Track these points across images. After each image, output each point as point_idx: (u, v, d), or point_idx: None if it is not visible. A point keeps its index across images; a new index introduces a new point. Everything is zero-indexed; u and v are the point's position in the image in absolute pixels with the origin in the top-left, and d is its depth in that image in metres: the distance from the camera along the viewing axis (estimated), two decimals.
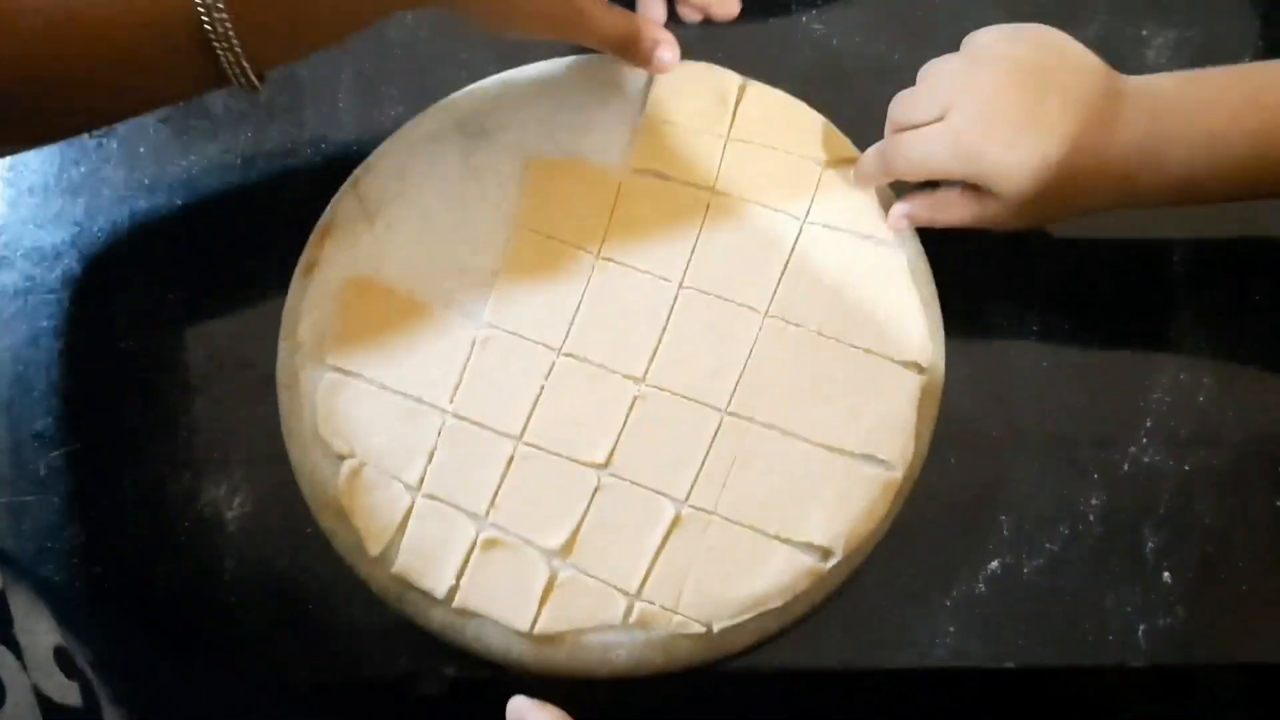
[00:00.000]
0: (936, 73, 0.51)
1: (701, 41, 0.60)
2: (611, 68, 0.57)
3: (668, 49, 0.53)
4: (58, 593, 0.51)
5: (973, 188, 0.50)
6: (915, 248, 0.55)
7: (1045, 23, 0.60)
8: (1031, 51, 0.50)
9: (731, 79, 0.57)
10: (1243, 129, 0.48)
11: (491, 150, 0.56)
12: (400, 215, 0.55)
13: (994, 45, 0.50)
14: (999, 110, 0.48)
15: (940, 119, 0.49)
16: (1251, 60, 0.59)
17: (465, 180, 0.55)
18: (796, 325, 0.53)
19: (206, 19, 0.44)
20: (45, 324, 0.58)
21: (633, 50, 0.53)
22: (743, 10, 0.61)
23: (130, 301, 0.58)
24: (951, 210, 0.52)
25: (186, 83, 0.48)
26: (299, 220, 0.56)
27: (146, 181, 0.60)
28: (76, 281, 0.58)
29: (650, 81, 0.56)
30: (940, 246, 0.55)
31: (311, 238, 0.56)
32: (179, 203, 0.59)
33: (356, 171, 0.57)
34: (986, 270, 0.56)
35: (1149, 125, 0.48)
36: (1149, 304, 0.56)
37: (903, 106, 0.52)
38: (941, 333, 0.54)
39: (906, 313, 0.53)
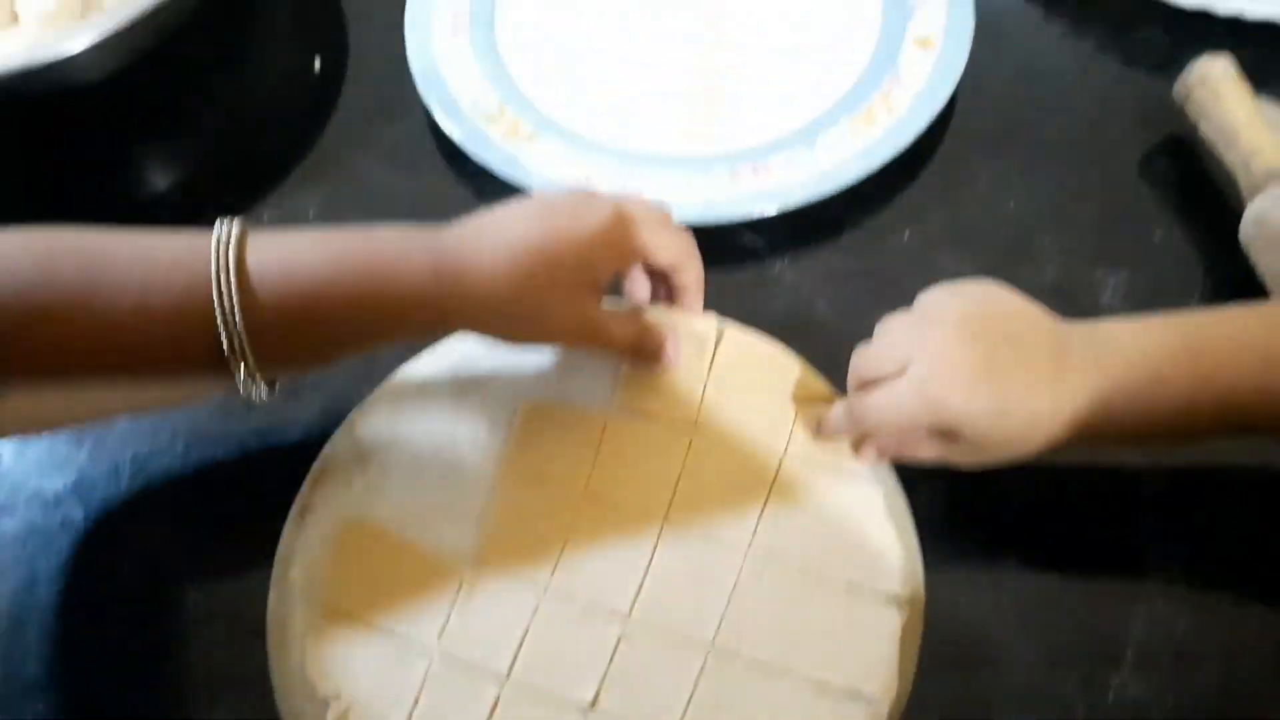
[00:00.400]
0: (893, 329, 0.55)
1: None
2: None
3: (672, 344, 0.57)
4: None
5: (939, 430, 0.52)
6: (891, 482, 0.57)
7: (1006, 268, 0.64)
8: (980, 307, 0.53)
9: (709, 324, 0.60)
10: (1180, 373, 0.50)
11: (484, 395, 0.58)
12: (393, 458, 0.57)
13: (945, 304, 0.54)
14: (956, 364, 0.50)
15: (901, 373, 0.52)
16: (1196, 303, 0.63)
17: (457, 424, 0.58)
18: (778, 562, 0.54)
19: (224, 336, 0.47)
20: (43, 569, 0.59)
21: (643, 352, 0.56)
22: (720, 258, 0.66)
23: (127, 545, 0.59)
24: (919, 449, 0.54)
25: (198, 387, 0.52)
26: (299, 462, 0.58)
27: (150, 428, 0.62)
28: (75, 527, 0.60)
29: None
30: (916, 480, 0.57)
31: (306, 481, 0.58)
32: (180, 448, 0.61)
33: (352, 414, 0.59)
34: (962, 503, 0.58)
35: (1094, 370, 0.51)
36: (1122, 534, 0.57)
37: (865, 362, 0.55)
38: (920, 565, 0.55)
39: (885, 546, 0.54)
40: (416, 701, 0.52)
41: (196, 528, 0.60)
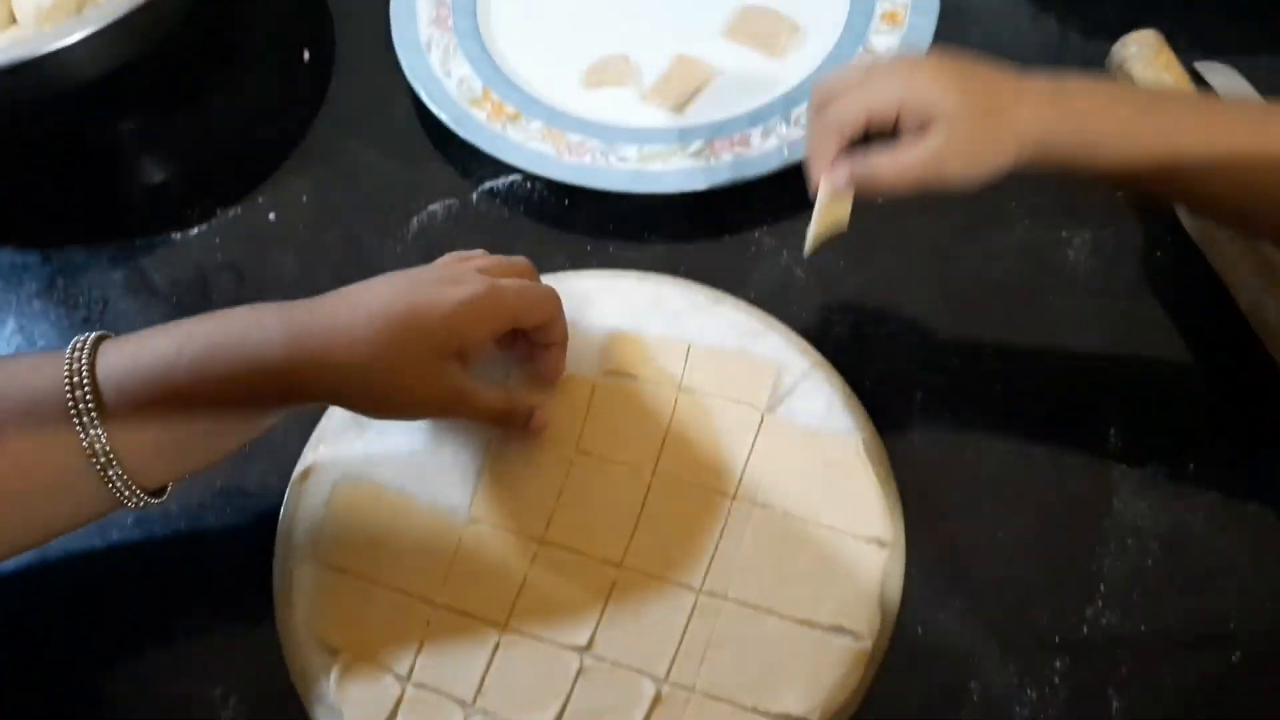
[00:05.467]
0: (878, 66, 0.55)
1: (665, 260, 0.67)
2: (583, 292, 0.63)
3: (540, 414, 0.58)
4: None
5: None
6: (870, 432, 0.59)
7: (976, 229, 0.67)
8: (953, 57, 0.54)
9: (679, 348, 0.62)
10: (1121, 118, 0.52)
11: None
12: (391, 423, 0.59)
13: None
14: (937, 66, 0.53)
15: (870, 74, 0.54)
16: (1159, 260, 0.66)
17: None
18: (764, 507, 0.56)
19: (85, 440, 0.46)
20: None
21: (509, 420, 0.57)
22: (699, 230, 0.68)
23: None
24: (892, 159, 0.53)
25: (83, 509, 0.49)
26: (298, 431, 0.61)
27: None
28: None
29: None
30: (895, 433, 0.60)
31: (306, 447, 0.60)
32: None
33: None
34: (939, 454, 0.60)
35: (1050, 98, 0.52)
36: (1092, 479, 0.60)
37: (831, 76, 0.56)
38: (900, 510, 0.57)
39: (865, 493, 0.57)
40: (419, 650, 0.54)
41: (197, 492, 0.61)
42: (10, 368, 0.49)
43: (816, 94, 0.55)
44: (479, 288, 0.52)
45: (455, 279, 0.53)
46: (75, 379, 0.46)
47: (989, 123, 0.52)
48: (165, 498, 0.51)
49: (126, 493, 0.48)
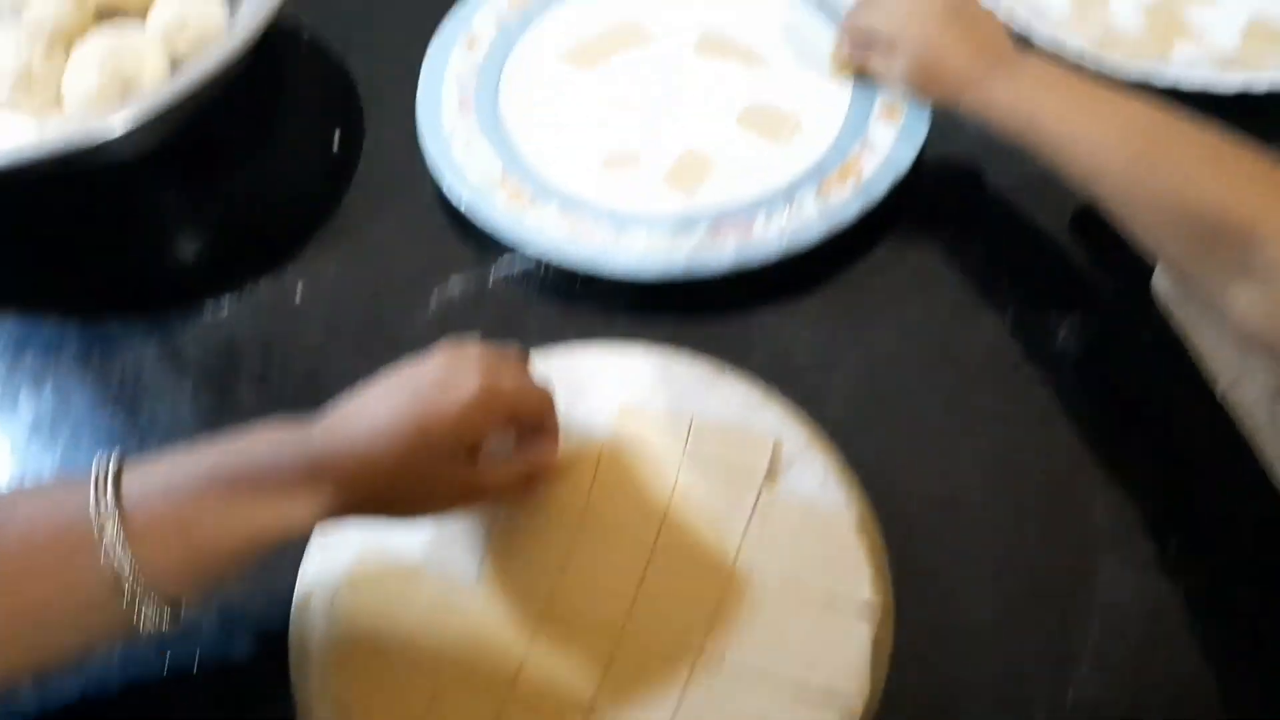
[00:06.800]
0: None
1: (671, 335, 0.70)
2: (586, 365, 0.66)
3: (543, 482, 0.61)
4: None
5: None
6: (864, 505, 0.62)
7: (968, 312, 0.70)
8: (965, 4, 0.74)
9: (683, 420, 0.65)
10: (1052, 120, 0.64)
11: None
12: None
13: None
14: (925, 12, 0.73)
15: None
16: (1146, 341, 0.69)
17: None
18: (761, 575, 0.59)
19: (113, 565, 0.46)
20: None
21: (524, 493, 0.60)
22: (705, 310, 0.72)
23: None
24: (872, 56, 0.78)
25: (100, 632, 0.49)
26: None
27: None
28: None
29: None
30: (889, 506, 0.62)
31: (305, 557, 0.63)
32: None
33: None
34: (931, 526, 0.63)
35: (1014, 69, 0.68)
36: (1078, 554, 0.62)
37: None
38: (891, 580, 0.60)
39: (858, 564, 0.59)
40: (428, 713, 0.56)
41: None
42: (36, 499, 0.50)
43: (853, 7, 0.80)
44: (475, 390, 0.54)
45: (453, 380, 0.54)
46: (100, 506, 0.48)
47: (935, 71, 0.72)
48: (179, 623, 0.50)
49: (145, 614, 0.48)
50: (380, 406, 0.53)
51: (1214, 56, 0.83)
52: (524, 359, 0.61)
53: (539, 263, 0.75)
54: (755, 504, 0.61)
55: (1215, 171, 0.58)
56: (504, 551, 0.60)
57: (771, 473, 0.62)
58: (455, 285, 0.75)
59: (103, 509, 0.47)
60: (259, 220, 0.82)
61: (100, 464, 0.49)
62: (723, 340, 0.70)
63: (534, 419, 0.60)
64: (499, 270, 0.76)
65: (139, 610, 0.48)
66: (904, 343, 0.70)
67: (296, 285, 0.76)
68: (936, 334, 0.71)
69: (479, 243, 0.76)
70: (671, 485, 0.62)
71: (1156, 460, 0.65)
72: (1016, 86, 0.67)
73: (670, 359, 0.67)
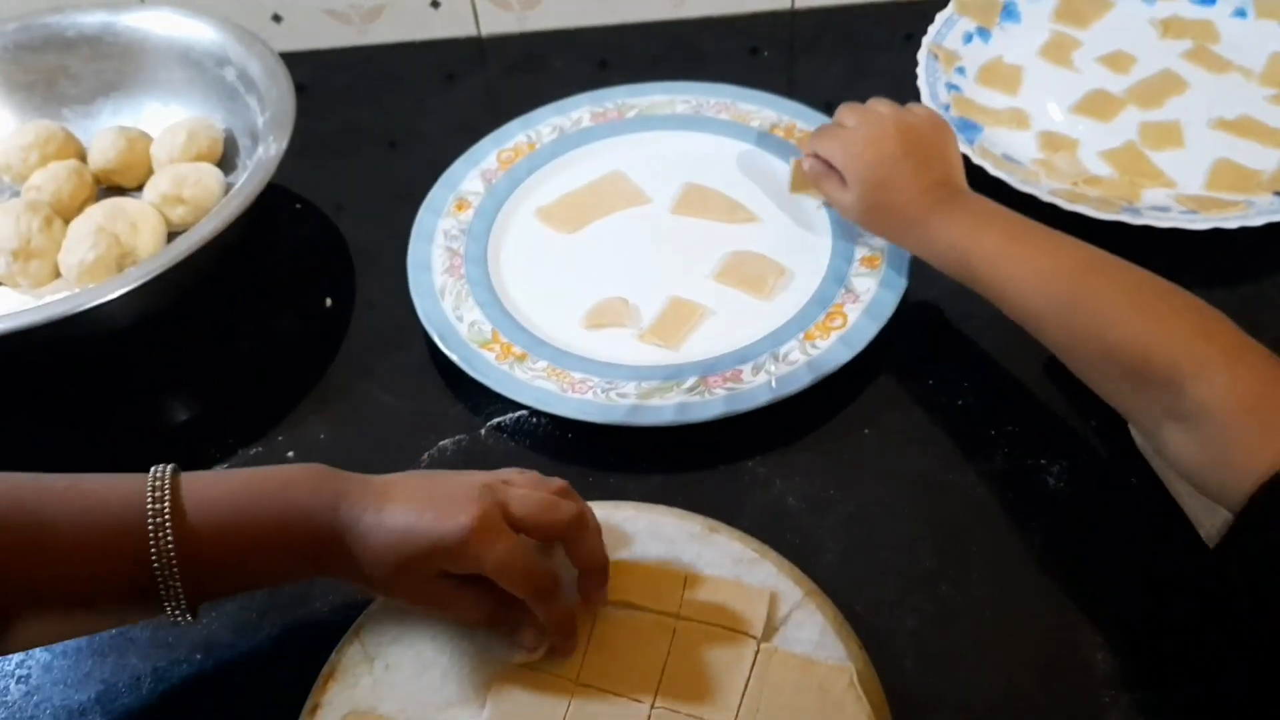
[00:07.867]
0: (854, 130, 0.78)
1: (662, 490, 0.70)
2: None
3: (529, 635, 0.60)
4: None
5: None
6: (863, 659, 0.61)
7: (957, 459, 0.71)
8: (921, 124, 0.76)
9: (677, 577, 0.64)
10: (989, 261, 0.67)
11: None
12: (399, 658, 0.61)
13: (893, 116, 0.77)
14: (876, 152, 0.75)
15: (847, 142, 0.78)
16: (1133, 486, 0.69)
17: (458, 626, 0.62)
18: None
19: (156, 561, 0.53)
20: None
21: (497, 628, 0.61)
22: (694, 460, 0.72)
23: None
24: (827, 184, 0.80)
25: (124, 610, 0.56)
26: (311, 667, 0.62)
27: (170, 640, 0.66)
28: None
29: None
30: (887, 658, 0.62)
31: (316, 683, 0.62)
32: (198, 658, 0.65)
33: (360, 618, 0.64)
34: (930, 679, 0.62)
35: (953, 209, 0.71)
36: (1082, 704, 0.61)
37: (829, 130, 0.81)
38: None
39: (856, 715, 0.58)
40: None
41: None
42: (89, 484, 0.55)
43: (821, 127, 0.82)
44: (474, 517, 0.55)
45: (459, 504, 0.56)
46: (157, 494, 0.54)
47: (882, 210, 0.75)
48: (198, 620, 0.57)
49: (175, 603, 0.54)
50: (394, 512, 0.56)
51: (1183, 197, 0.85)
52: (565, 488, 0.61)
53: (530, 417, 0.76)
54: (753, 662, 0.60)
55: (1139, 314, 0.59)
56: (503, 708, 0.59)
57: (768, 629, 0.61)
58: (446, 443, 0.75)
59: (158, 498, 0.53)
60: (249, 382, 0.82)
61: (157, 470, 0.55)
62: (714, 494, 0.70)
63: (570, 548, 0.60)
64: (490, 427, 0.76)
65: (170, 603, 0.54)
66: (895, 491, 0.70)
67: (287, 447, 0.76)
68: (927, 483, 0.71)
69: (470, 399, 0.77)
70: (668, 643, 0.61)
71: (1155, 604, 0.65)
72: (954, 226, 0.70)
73: (661, 515, 0.67)
